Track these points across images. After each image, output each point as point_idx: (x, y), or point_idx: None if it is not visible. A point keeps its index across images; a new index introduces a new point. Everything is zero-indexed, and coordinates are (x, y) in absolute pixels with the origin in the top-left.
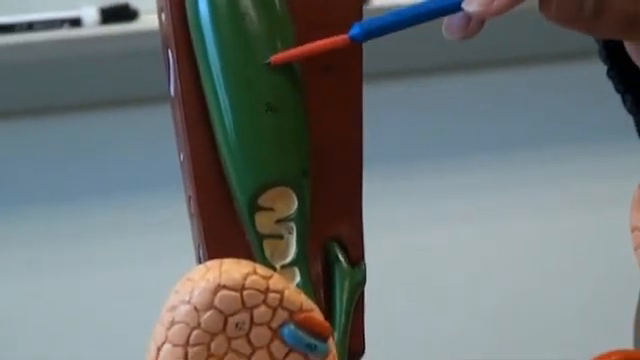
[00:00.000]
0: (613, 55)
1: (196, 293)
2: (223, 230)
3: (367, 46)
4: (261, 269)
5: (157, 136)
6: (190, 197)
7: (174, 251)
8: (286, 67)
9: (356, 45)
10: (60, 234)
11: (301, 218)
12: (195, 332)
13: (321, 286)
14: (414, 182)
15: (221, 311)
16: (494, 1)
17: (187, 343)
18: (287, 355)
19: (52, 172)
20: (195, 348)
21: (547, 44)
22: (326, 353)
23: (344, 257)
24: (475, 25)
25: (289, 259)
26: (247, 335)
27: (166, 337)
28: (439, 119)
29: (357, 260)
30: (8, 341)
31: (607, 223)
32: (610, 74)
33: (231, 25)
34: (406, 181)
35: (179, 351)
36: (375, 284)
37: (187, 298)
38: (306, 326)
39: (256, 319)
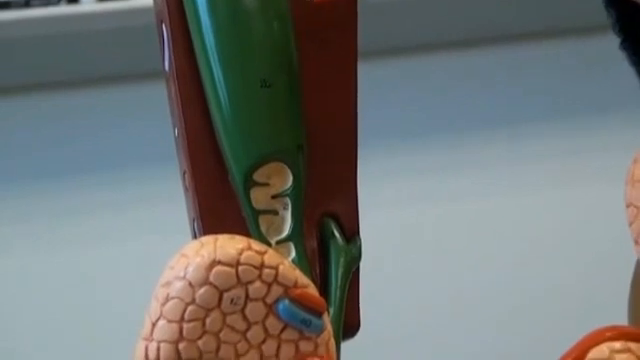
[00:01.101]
0: (627, 27)
1: (191, 269)
2: (218, 205)
3: (363, 25)
4: (256, 244)
5: (154, 111)
6: (185, 172)
7: (169, 226)
8: (281, 43)
9: (352, 20)
10: (56, 210)
11: (296, 193)
12: (190, 308)
13: (316, 262)
14: (410, 158)
15: (216, 287)
16: None
17: (182, 319)
18: (282, 331)
19: (48, 148)
20: (190, 324)
21: (547, 20)
22: (321, 329)
23: (339, 232)
24: None
25: (284, 234)
26: (242, 311)
27: (161, 313)
28: (435, 96)
29: (352, 235)
30: (4, 316)
31: (602, 198)
32: (624, 45)
33: (225, 0)
34: (402, 157)
35: (174, 327)
36: (371, 259)
37: (182, 274)
38: (301, 302)
39: (251, 295)
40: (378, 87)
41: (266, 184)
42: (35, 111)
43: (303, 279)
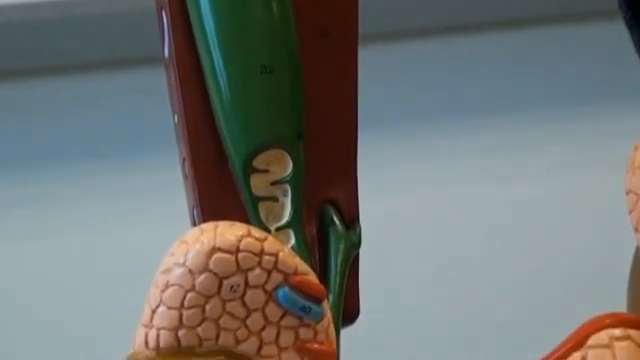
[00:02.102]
0: (634, 4)
1: (190, 256)
2: (218, 192)
3: (364, 8)
4: (256, 231)
5: (153, 98)
6: (184, 159)
7: (168, 213)
8: (281, 28)
9: (353, 5)
10: (56, 197)
11: (296, 180)
12: (190, 295)
13: (316, 249)
14: (411, 145)
15: (216, 274)
16: None
17: (182, 306)
18: (282, 318)
19: (46, 135)
20: (190, 311)
21: (553, 5)
22: (321, 316)
23: (339, 219)
24: None
25: (284, 221)
26: (242, 298)
27: (161, 299)
28: (437, 82)
29: (352, 222)
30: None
31: (601, 186)
32: (630, 23)
33: None
34: (403, 144)
35: (174, 314)
36: (370, 246)
37: (182, 261)
38: (301, 289)
39: (251, 282)
40: (379, 72)
41: (266, 171)
42: (34, 97)
43: (303, 266)
